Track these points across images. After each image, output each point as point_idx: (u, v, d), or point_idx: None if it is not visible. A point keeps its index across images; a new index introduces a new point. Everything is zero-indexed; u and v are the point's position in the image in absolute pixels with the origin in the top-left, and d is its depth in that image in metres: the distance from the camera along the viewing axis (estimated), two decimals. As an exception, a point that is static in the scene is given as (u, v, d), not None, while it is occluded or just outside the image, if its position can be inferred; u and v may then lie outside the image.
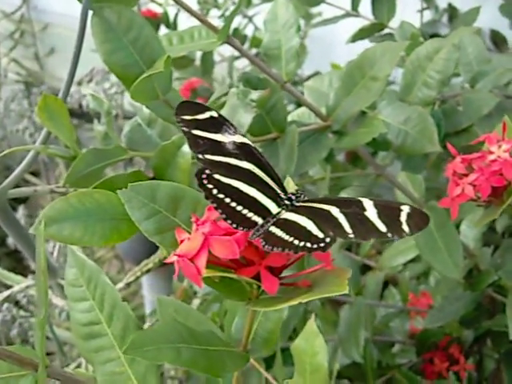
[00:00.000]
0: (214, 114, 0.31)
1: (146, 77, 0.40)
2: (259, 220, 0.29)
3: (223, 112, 0.50)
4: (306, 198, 0.31)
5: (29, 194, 0.49)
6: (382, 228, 0.27)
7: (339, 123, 0.54)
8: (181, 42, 0.53)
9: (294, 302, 0.27)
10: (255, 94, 0.48)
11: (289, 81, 0.54)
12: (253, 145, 0.32)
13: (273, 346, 0.34)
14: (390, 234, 0.27)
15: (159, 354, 0.29)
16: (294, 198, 0.31)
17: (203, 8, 1.08)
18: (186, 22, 0.66)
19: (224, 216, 0.28)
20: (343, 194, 0.63)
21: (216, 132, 0.31)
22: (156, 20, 1.01)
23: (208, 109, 0.32)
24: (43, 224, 0.38)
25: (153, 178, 0.46)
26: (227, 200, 0.29)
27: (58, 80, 1.49)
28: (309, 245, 0.27)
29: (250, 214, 0.29)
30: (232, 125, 0.32)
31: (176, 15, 1.01)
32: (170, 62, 0.43)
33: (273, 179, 0.31)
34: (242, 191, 0.30)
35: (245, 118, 0.48)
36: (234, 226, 0.28)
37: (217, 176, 0.30)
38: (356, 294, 0.70)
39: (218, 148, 0.31)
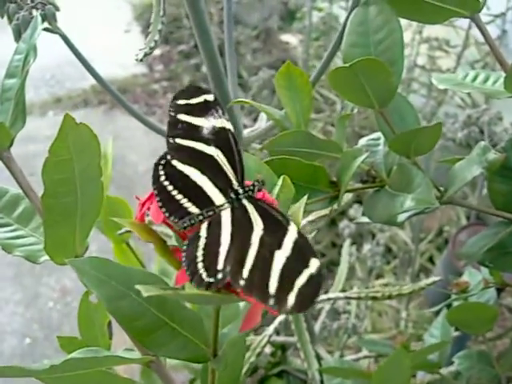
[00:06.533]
0: (210, 97, 0.29)
1: (346, 68, 0.37)
2: (196, 211, 0.27)
3: (462, 161, 0.43)
4: (254, 194, 0.27)
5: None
6: (271, 289, 0.21)
7: None
8: (473, 80, 0.46)
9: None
10: (491, 156, 0.39)
11: None
12: (232, 130, 0.29)
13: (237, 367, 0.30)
14: (271, 302, 0.21)
15: (97, 284, 0.27)
16: (241, 191, 0.27)
17: None
18: None
19: (160, 204, 0.27)
20: None
21: (200, 116, 0.29)
22: None
23: (206, 92, 0.29)
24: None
25: (333, 183, 0.43)
26: (170, 188, 0.27)
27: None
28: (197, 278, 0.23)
29: (188, 204, 0.27)
30: (222, 109, 0.29)
31: None
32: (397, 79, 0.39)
33: (234, 170, 0.28)
34: (189, 179, 0.28)
35: (469, 174, 0.40)
36: (167, 214, 0.26)
37: (174, 162, 0.28)
38: None
39: (193, 132, 0.28)
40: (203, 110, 0.29)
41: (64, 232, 0.32)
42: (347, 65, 0.36)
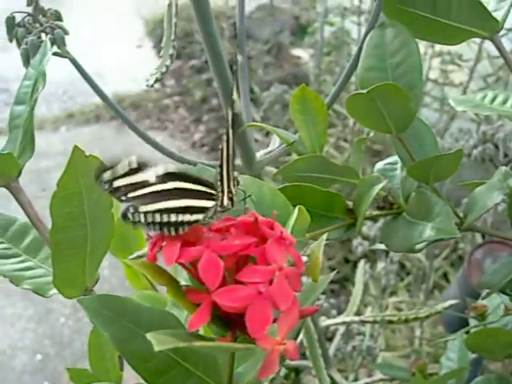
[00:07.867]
0: (133, 165, 0.28)
1: (363, 94, 0.36)
2: (200, 216, 0.27)
3: (482, 187, 0.41)
4: None
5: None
6: None
7: None
8: (491, 101, 0.45)
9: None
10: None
11: None
12: (178, 169, 0.29)
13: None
14: None
15: (107, 324, 0.26)
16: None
17: None
18: None
19: (166, 230, 0.26)
20: None
21: (137, 173, 0.28)
22: None
23: (128, 164, 0.28)
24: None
25: (350, 210, 0.42)
26: (158, 218, 0.27)
27: None
28: None
29: (187, 217, 0.27)
30: (154, 164, 0.28)
31: None
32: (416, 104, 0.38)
33: (204, 185, 0.29)
34: (172, 208, 0.27)
35: (489, 201, 0.39)
36: (173, 233, 0.26)
37: (142, 208, 0.27)
38: None
39: (140, 184, 0.28)
40: (135, 171, 0.28)
41: (73, 266, 0.31)
42: (364, 91, 0.35)
